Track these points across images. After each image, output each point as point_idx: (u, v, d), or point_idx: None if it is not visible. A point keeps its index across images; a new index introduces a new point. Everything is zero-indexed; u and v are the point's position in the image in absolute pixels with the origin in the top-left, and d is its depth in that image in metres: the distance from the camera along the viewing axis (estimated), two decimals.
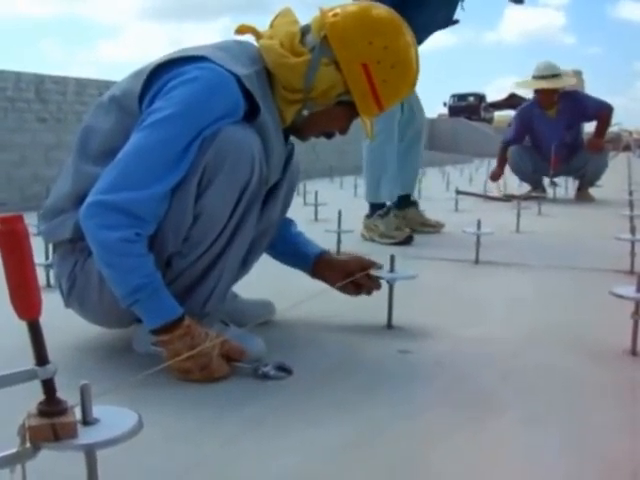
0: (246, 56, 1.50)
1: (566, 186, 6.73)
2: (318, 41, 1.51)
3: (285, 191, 1.71)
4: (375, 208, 3.45)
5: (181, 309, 1.37)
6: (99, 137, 1.47)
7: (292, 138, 1.69)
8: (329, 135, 1.67)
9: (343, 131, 1.65)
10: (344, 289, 1.83)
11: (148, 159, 1.35)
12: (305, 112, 1.55)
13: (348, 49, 1.50)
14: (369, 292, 1.85)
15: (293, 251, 1.87)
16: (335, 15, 1.53)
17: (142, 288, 1.32)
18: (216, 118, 1.38)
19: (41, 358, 0.81)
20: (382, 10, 1.56)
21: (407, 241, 3.32)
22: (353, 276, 1.80)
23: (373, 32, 1.52)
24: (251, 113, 1.45)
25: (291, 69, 1.49)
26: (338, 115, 1.59)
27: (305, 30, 1.55)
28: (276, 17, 1.59)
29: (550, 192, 5.88)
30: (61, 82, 5.32)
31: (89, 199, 1.34)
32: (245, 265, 1.65)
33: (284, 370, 1.43)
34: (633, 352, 1.60)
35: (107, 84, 5.54)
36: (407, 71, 1.58)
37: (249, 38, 1.58)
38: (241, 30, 1.57)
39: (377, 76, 1.52)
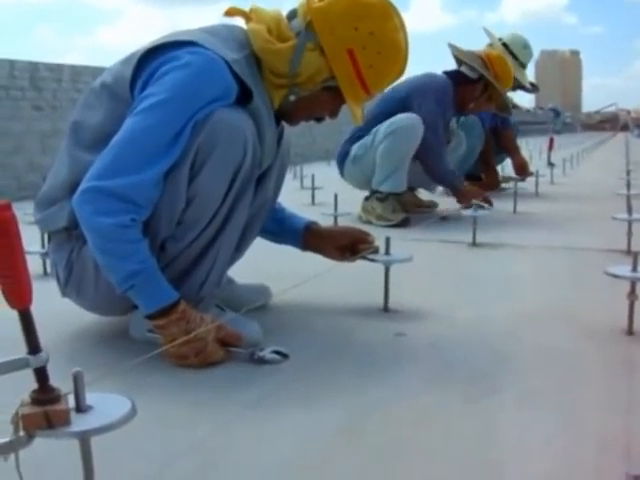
0: (235, 41, 1.49)
1: (563, 167, 6.72)
2: (303, 26, 1.49)
3: (277, 172, 1.70)
4: (375, 192, 3.44)
5: (176, 293, 1.37)
6: (90, 129, 1.46)
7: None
8: (319, 119, 1.66)
9: (333, 115, 1.64)
10: (343, 259, 1.85)
11: (141, 144, 1.34)
12: (292, 97, 1.54)
13: (333, 35, 1.48)
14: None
15: (280, 227, 1.87)
16: (321, 0, 1.51)
17: (137, 273, 1.32)
18: (208, 101, 1.37)
19: (33, 346, 0.80)
20: None
21: (404, 223, 3.32)
22: (346, 247, 1.83)
23: (359, 17, 1.49)
24: (242, 98, 1.45)
25: (276, 54, 1.48)
26: (325, 100, 1.58)
27: (291, 15, 1.54)
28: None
29: (547, 173, 5.87)
30: (56, 69, 5.27)
31: (83, 185, 1.33)
32: (239, 248, 1.64)
33: (280, 354, 1.43)
34: (629, 332, 1.60)
35: (102, 71, 5.52)
36: (394, 56, 1.56)
37: (238, 21, 1.57)
38: (230, 12, 1.55)
39: (363, 62, 1.50)
